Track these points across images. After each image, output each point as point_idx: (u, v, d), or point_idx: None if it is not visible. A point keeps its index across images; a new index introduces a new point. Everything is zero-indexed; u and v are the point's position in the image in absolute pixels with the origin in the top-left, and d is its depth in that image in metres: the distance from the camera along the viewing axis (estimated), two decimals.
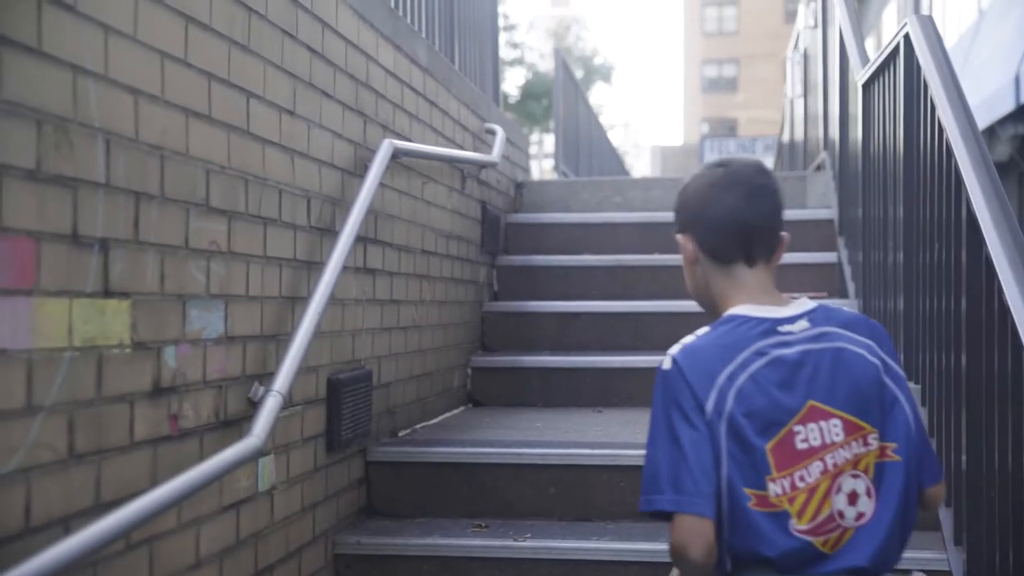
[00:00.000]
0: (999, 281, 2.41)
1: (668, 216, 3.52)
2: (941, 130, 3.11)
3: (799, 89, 8.11)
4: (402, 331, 4.19)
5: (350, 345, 3.60)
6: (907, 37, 3.58)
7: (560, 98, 9.54)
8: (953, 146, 2.92)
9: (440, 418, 4.68)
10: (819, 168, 6.58)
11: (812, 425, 1.90)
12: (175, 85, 2.42)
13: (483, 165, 5.34)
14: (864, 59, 4.78)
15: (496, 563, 3.33)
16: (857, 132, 4.78)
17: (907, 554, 1.96)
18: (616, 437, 3.97)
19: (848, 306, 4.96)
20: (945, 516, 3.06)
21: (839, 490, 1.89)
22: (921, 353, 3.45)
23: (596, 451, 3.66)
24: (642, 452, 1.95)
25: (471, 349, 5.32)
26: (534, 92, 27.71)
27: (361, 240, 3.68)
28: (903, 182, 3.68)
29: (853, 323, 2.00)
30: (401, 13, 4.50)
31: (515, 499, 3.63)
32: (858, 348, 1.95)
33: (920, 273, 3.42)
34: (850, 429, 1.91)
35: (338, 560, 3.41)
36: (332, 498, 3.42)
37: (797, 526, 1.86)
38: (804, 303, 2.00)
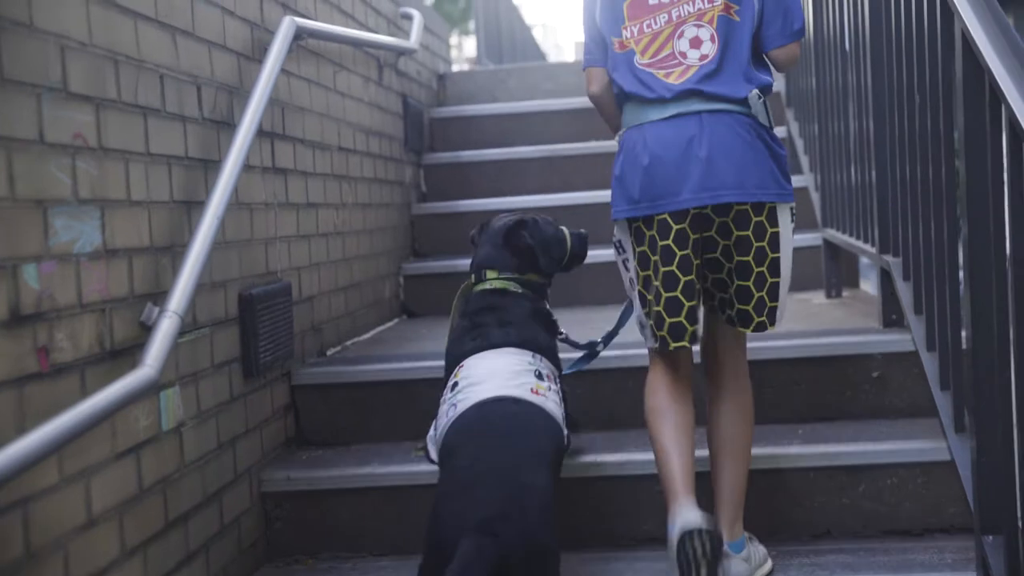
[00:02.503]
0: (1009, 109, 2.02)
1: None
2: None
3: None
4: (323, 238, 3.75)
5: (263, 256, 3.15)
6: None
7: None
8: None
9: (373, 332, 4.27)
10: None
11: None
12: None
13: (401, 52, 4.86)
14: None
15: None
16: None
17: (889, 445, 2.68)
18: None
19: (803, 182, 4.61)
20: (942, 399, 2.74)
21: (681, 36, 2.48)
22: (901, 226, 3.10)
23: None
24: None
25: (402, 256, 4.90)
26: None
27: (268, 136, 3.21)
28: (870, 36, 3.29)
29: None
30: None
31: None
32: None
33: (900, 139, 3.05)
34: None
35: (266, 499, 3.01)
36: (254, 430, 3.01)
37: (640, 60, 2.51)
38: None
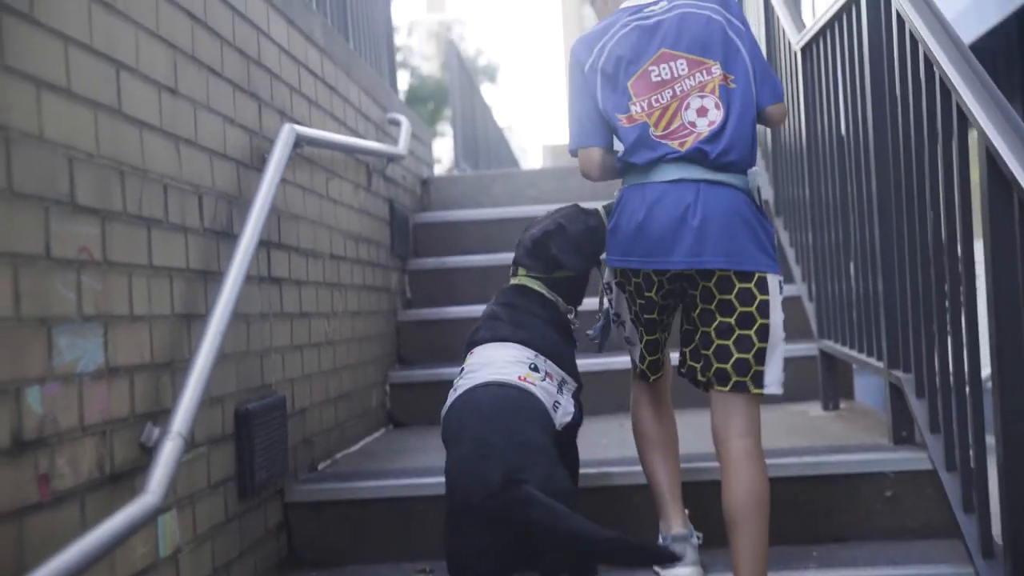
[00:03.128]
0: None
1: (590, 206, 3.13)
2: (929, 65, 2.72)
3: None
4: (315, 348, 3.65)
5: (258, 368, 3.05)
6: None
7: (457, 94, 9.05)
8: (951, 79, 2.50)
9: (361, 443, 4.15)
10: None
11: (664, 65, 2.68)
12: (19, 47, 1.87)
13: (391, 158, 4.82)
14: (799, 24, 4.40)
15: None
16: (797, 102, 4.39)
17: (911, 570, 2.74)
18: None
19: (795, 291, 4.59)
20: (966, 522, 2.65)
21: (688, 107, 2.65)
22: (912, 340, 3.04)
23: None
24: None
25: (388, 363, 4.80)
26: (420, 95, 27.11)
27: (264, 245, 3.14)
28: (874, 144, 3.28)
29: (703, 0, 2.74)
30: None
31: None
32: (701, 11, 2.71)
33: (910, 248, 3.02)
34: (693, 65, 2.67)
35: None
36: (248, 552, 2.87)
37: (655, 132, 2.65)
38: None
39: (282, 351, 3.28)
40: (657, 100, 2.65)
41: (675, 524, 2.82)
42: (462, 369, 2.79)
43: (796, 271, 4.65)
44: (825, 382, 4.17)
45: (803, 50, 4.15)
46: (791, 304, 4.65)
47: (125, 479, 2.15)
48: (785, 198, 4.86)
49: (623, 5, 2.82)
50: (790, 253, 4.77)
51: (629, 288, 2.75)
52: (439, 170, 11.55)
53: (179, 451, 2.16)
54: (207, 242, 2.71)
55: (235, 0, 3.02)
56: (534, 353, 2.76)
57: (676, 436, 2.92)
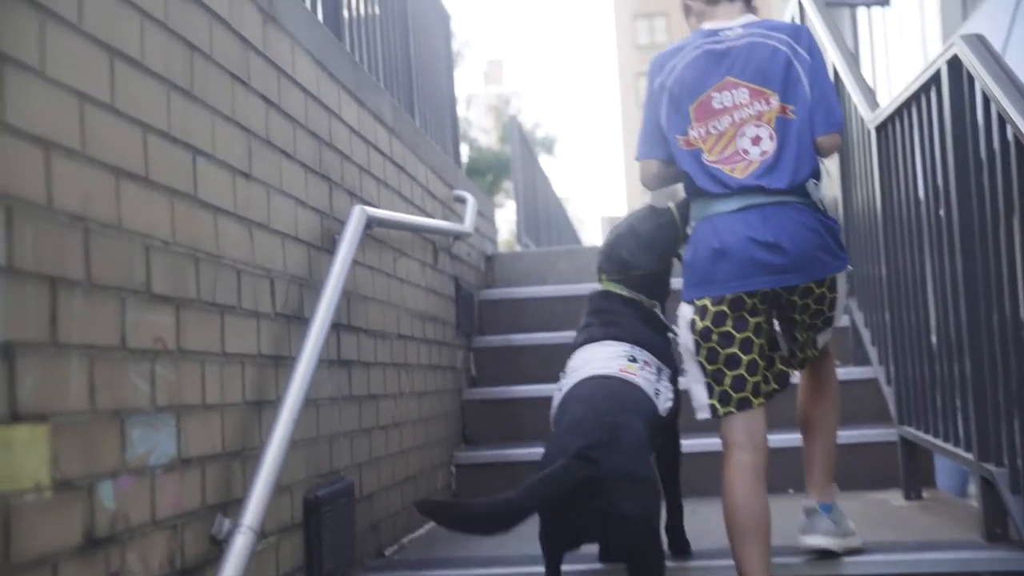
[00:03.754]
0: None
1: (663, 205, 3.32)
2: (1019, 143, 2.64)
3: None
4: (382, 431, 3.59)
5: (327, 453, 3.00)
6: (952, 60, 3.12)
7: (519, 168, 9.05)
8: None
9: (427, 527, 4.06)
10: None
11: (726, 92, 2.81)
12: (100, 137, 1.85)
13: (457, 236, 4.79)
14: (873, 102, 4.32)
15: None
16: (870, 180, 4.30)
17: None
18: None
19: (871, 373, 4.47)
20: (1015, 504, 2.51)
21: (743, 135, 2.78)
22: (1006, 430, 2.91)
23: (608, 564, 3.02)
24: None
25: (453, 443, 4.72)
26: (479, 167, 27.30)
27: (334, 327, 3.09)
28: (958, 222, 3.17)
29: (777, 27, 2.87)
30: (360, 63, 3.97)
31: None
32: (769, 41, 2.81)
33: (1001, 330, 2.90)
34: (754, 94, 2.79)
35: None
36: None
37: (708, 157, 2.80)
38: (750, 18, 2.92)
39: (350, 435, 3.22)
40: (715, 127, 2.81)
41: (755, 559, 2.67)
42: (563, 373, 2.97)
43: (872, 353, 4.52)
44: (907, 470, 4.02)
45: (878, 128, 4.08)
46: (867, 387, 4.57)
47: (196, 574, 2.09)
48: (860, 277, 4.75)
49: (703, 26, 2.95)
50: (865, 334, 4.64)
51: (711, 321, 2.74)
52: (498, 240, 11.57)
53: (250, 545, 2.10)
54: (278, 327, 2.67)
55: (308, 83, 3.02)
56: (629, 346, 2.92)
57: (768, 515, 2.72)
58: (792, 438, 3.43)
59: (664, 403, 2.85)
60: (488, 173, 27.79)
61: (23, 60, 1.63)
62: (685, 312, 2.81)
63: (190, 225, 2.19)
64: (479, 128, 33.79)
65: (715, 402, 2.77)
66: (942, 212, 3.34)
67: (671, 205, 3.14)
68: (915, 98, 3.55)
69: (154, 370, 2.00)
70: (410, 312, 4.07)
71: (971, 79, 3.02)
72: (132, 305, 1.93)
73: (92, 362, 1.78)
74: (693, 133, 2.81)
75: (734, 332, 2.74)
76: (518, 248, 9.02)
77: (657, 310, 3.08)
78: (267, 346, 2.59)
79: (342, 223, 3.18)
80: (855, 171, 4.68)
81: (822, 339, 2.99)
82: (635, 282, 3.08)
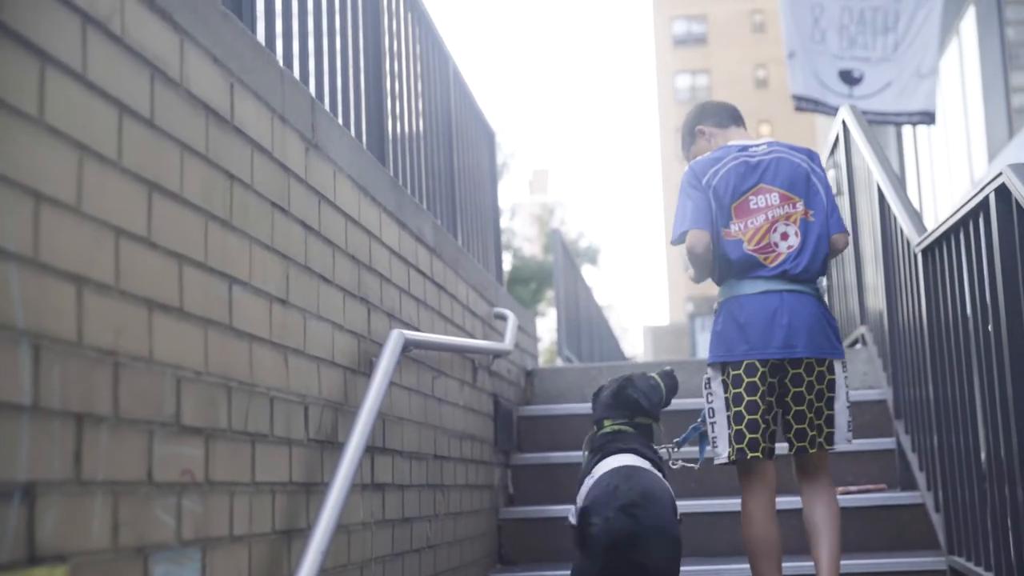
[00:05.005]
0: None
1: (696, 402, 4.10)
2: None
3: None
4: (415, 554, 3.53)
5: None
6: (1000, 188, 3.08)
7: (561, 281, 9.05)
8: None
9: None
10: (855, 344, 6.03)
11: (760, 196, 3.46)
12: (134, 270, 1.86)
13: (497, 355, 4.77)
14: (920, 226, 4.29)
15: None
16: (916, 301, 4.24)
17: None
18: None
19: (919, 499, 4.35)
20: None
21: (775, 231, 3.44)
22: None
23: None
24: None
25: (488, 564, 4.64)
26: (522, 276, 27.46)
27: (368, 451, 3.06)
28: (1007, 340, 3.10)
29: (795, 148, 3.58)
30: (402, 184, 4.01)
31: None
32: (793, 158, 3.53)
33: None
34: (783, 199, 3.47)
35: None
36: None
37: (747, 246, 3.43)
38: (769, 138, 3.62)
39: (383, 561, 3.16)
40: (752, 223, 3.46)
41: None
42: (589, 474, 3.44)
43: (920, 478, 4.41)
44: None
45: (924, 251, 4.03)
46: (914, 512, 4.45)
47: None
48: (906, 399, 4.66)
49: (730, 143, 3.62)
50: (913, 459, 4.54)
51: (731, 381, 3.40)
52: (539, 348, 11.52)
53: None
54: (311, 453, 2.64)
55: (349, 207, 3.04)
56: (646, 461, 3.41)
57: (780, 541, 3.42)
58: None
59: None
60: (531, 282, 27.92)
61: (60, 198, 1.64)
62: (711, 373, 3.47)
63: (224, 354, 2.18)
64: (523, 237, 34.05)
65: (732, 448, 3.39)
66: (991, 327, 3.28)
67: (655, 375, 3.80)
68: (963, 223, 3.52)
69: (180, 504, 1.97)
70: (447, 432, 4.03)
71: (1020, 206, 2.99)
72: (160, 438, 1.91)
73: (116, 498, 1.76)
74: (734, 227, 3.46)
75: (745, 394, 3.38)
76: (559, 361, 8.98)
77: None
78: (299, 473, 2.55)
79: (380, 345, 3.17)
80: (900, 293, 4.63)
81: (816, 432, 3.45)
82: (637, 427, 3.61)
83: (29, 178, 1.57)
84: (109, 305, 1.77)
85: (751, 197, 3.45)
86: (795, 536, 3.91)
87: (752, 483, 3.43)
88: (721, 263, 3.50)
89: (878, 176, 4.93)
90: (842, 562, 3.64)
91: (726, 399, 3.41)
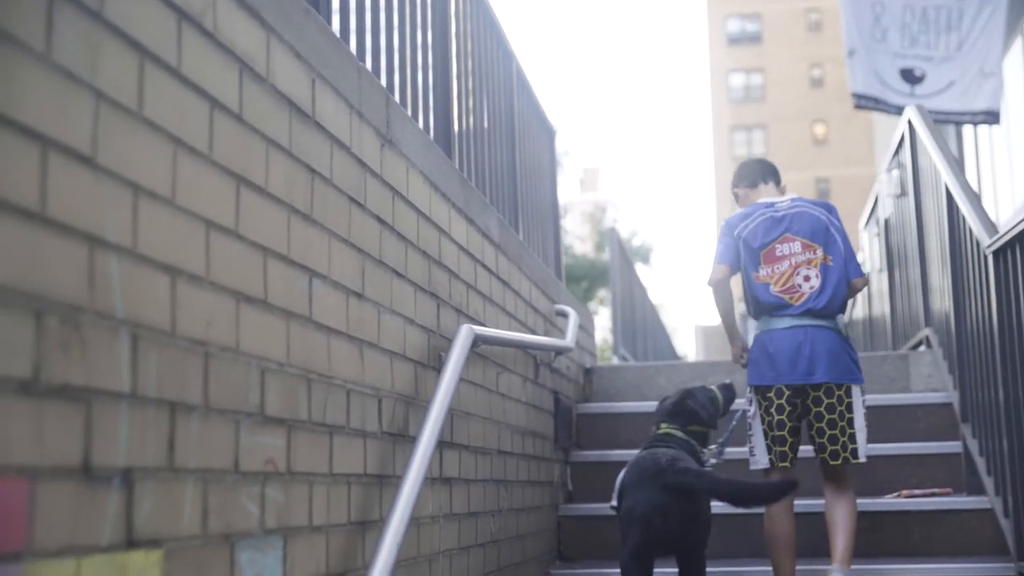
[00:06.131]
0: None
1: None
2: None
3: (879, 262, 7.57)
4: (480, 548, 3.55)
5: (426, 574, 2.96)
6: None
7: (617, 280, 9.04)
8: None
9: None
10: (919, 346, 5.97)
11: (785, 244, 4.01)
12: (223, 262, 1.89)
13: (559, 352, 4.78)
14: (989, 225, 4.24)
15: None
16: (986, 303, 4.19)
17: None
18: None
19: (986, 504, 4.30)
20: None
21: (798, 274, 3.97)
22: None
23: None
24: None
25: (548, 560, 4.65)
26: (574, 275, 27.45)
27: (437, 444, 3.08)
28: None
29: (814, 202, 4.12)
30: (467, 177, 4.03)
31: None
32: (814, 211, 4.06)
33: None
34: (805, 246, 3.99)
35: None
36: None
37: (773, 289, 3.98)
38: (791, 194, 4.19)
39: (450, 554, 3.18)
40: (778, 268, 4.01)
41: None
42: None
43: (988, 483, 4.36)
44: None
45: (996, 253, 3.98)
46: (982, 518, 4.39)
47: None
48: (974, 403, 4.60)
49: (758, 200, 4.19)
50: (980, 463, 4.48)
51: (764, 400, 3.98)
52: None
53: None
54: (384, 445, 2.67)
55: (421, 202, 3.06)
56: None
57: (794, 534, 3.91)
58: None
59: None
60: (583, 280, 27.89)
61: (156, 191, 1.68)
62: (750, 394, 4.05)
63: (304, 346, 2.21)
64: (575, 236, 34.00)
65: (768, 457, 3.95)
66: None
67: (714, 388, 4.15)
68: None
69: (264, 493, 2.00)
70: (511, 427, 4.05)
71: None
72: (246, 428, 1.94)
73: (206, 486, 1.79)
74: (763, 272, 4.02)
75: (774, 413, 3.94)
76: (614, 359, 8.96)
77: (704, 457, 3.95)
78: (373, 465, 2.58)
79: (448, 340, 3.19)
80: (968, 294, 4.57)
81: (840, 447, 3.89)
82: (690, 434, 3.95)
83: (129, 171, 1.60)
84: (200, 296, 1.80)
85: (777, 245, 4.01)
86: (815, 539, 4.28)
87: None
88: (753, 303, 4.06)
89: (946, 177, 4.87)
90: (906, 566, 4.18)
91: (760, 416, 3.98)
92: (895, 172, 6.39)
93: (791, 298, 3.94)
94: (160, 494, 1.65)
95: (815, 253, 3.97)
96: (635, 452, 5.18)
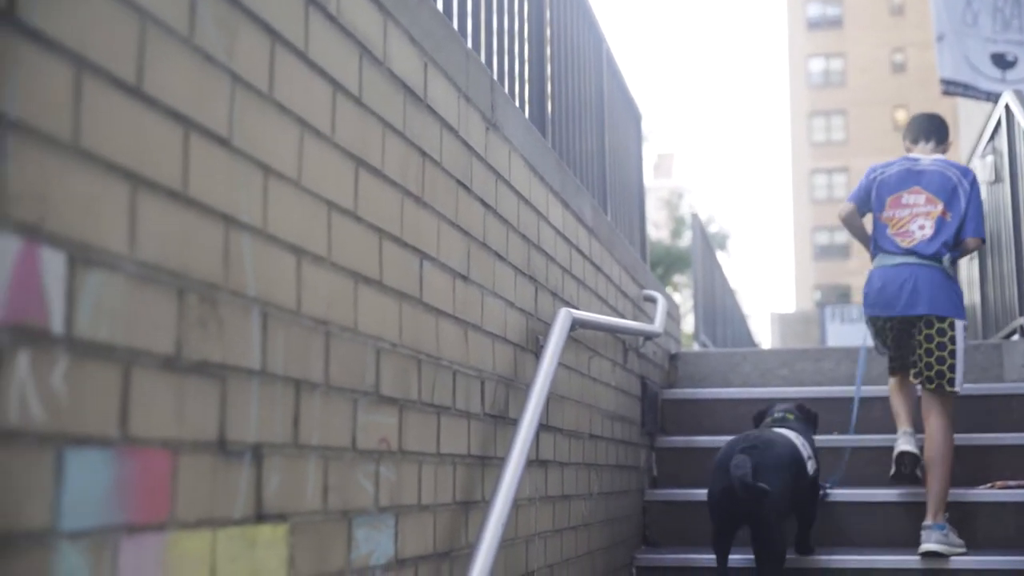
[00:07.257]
0: None
1: (845, 390, 4.86)
2: None
3: None
4: (572, 531, 3.56)
5: (523, 555, 2.98)
6: None
7: (699, 267, 8.98)
8: None
9: None
10: (1013, 335, 5.85)
11: (912, 195, 4.47)
12: (343, 243, 1.92)
13: (648, 337, 4.77)
14: None
15: None
16: None
17: None
18: None
19: None
20: None
21: (914, 222, 4.43)
22: None
23: None
24: None
25: (634, 544, 4.66)
26: (649, 261, 27.43)
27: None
28: None
29: (955, 165, 4.53)
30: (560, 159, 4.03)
31: None
32: (948, 172, 4.48)
33: None
34: (929, 200, 4.44)
35: None
36: None
37: (890, 231, 4.48)
38: (937, 156, 4.63)
39: (544, 536, 3.21)
40: (899, 213, 4.48)
41: (902, 437, 4.51)
42: None
43: None
44: None
45: None
46: None
47: None
48: None
49: (909, 155, 4.64)
50: None
51: (875, 327, 4.57)
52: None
53: None
54: (486, 427, 2.69)
55: (521, 186, 3.07)
56: (797, 434, 4.16)
57: (913, 397, 4.60)
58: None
59: (811, 466, 4.13)
60: (658, 266, 27.75)
61: (284, 172, 1.71)
62: (865, 322, 4.65)
63: (415, 327, 2.24)
64: (650, 222, 33.87)
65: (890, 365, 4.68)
66: None
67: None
68: None
69: (378, 471, 2.03)
70: (601, 412, 4.06)
71: None
72: (363, 406, 1.97)
73: (327, 463, 1.82)
74: (886, 213, 4.51)
75: (887, 333, 4.52)
76: (695, 346, 8.92)
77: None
78: (476, 446, 2.60)
79: (545, 324, 3.21)
80: None
81: (936, 374, 4.30)
82: (804, 418, 4.47)
83: (260, 152, 1.64)
84: (323, 276, 1.83)
85: (905, 195, 4.47)
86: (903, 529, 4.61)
87: (895, 382, 4.69)
88: (872, 242, 4.58)
89: None
90: (1002, 558, 4.22)
91: (876, 333, 4.61)
92: (989, 158, 6.26)
93: (903, 241, 4.39)
94: (286, 470, 1.68)
95: (936, 207, 4.38)
96: (721, 440, 5.19)
